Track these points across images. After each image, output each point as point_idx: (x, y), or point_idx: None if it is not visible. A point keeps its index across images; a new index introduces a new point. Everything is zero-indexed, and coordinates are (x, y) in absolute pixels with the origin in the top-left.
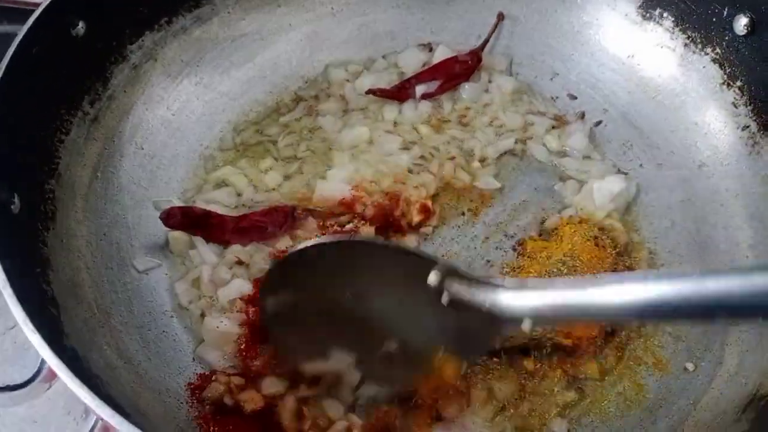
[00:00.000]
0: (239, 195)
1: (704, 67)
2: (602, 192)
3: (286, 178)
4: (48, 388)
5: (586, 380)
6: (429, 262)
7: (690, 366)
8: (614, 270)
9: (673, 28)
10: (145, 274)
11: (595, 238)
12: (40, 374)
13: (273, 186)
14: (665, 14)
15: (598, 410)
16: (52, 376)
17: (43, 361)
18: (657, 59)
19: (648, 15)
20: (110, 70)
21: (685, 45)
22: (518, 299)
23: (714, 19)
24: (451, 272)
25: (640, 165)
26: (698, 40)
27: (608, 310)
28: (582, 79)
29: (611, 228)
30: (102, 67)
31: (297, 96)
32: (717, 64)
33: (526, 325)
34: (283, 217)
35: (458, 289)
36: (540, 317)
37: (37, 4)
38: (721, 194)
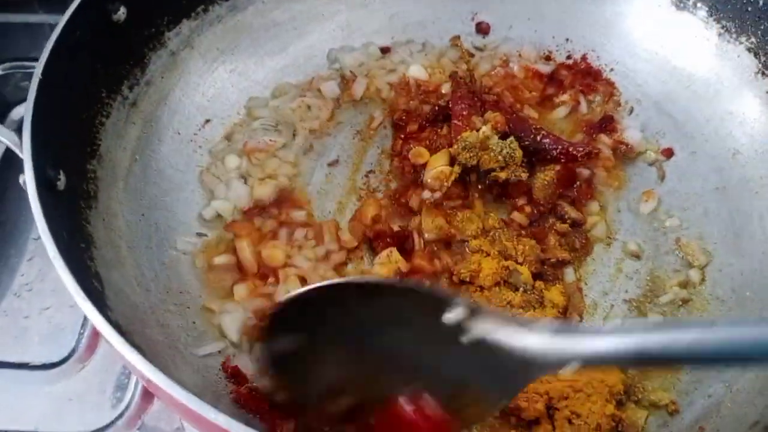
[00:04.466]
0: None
1: (739, 56)
2: None
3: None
4: (82, 368)
5: None
6: (447, 300)
7: None
8: None
9: (707, 18)
10: (183, 254)
11: None
12: (74, 354)
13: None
14: (699, 4)
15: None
16: (87, 356)
17: (78, 341)
18: (691, 49)
19: (682, 5)
20: (148, 56)
21: (720, 35)
22: (560, 345)
23: (749, 9)
24: (475, 311)
25: (674, 154)
26: (733, 30)
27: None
28: (615, 69)
29: None
30: (141, 52)
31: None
32: (752, 53)
33: (568, 369)
34: None
35: (484, 329)
36: (585, 361)
37: None
38: (756, 182)
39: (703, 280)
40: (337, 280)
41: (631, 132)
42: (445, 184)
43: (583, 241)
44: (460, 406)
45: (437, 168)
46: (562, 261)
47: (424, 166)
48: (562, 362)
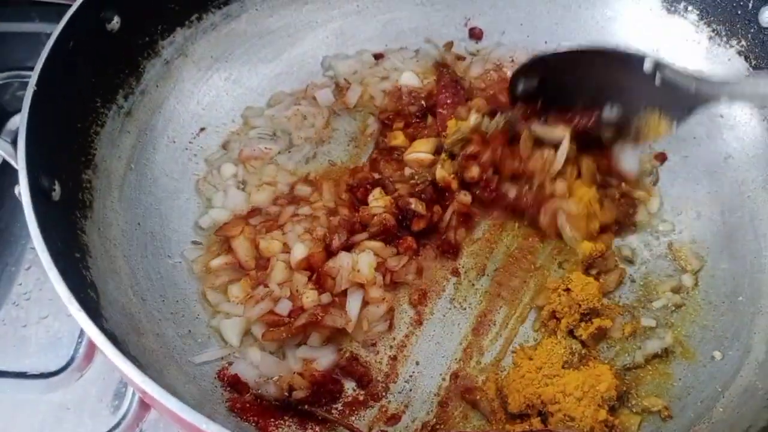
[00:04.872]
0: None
1: (729, 59)
2: None
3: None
4: (80, 377)
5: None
6: (641, 57)
7: (717, 354)
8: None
9: (697, 22)
10: (178, 263)
11: None
12: (72, 363)
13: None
14: (690, 8)
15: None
16: (85, 365)
17: (75, 350)
18: (682, 53)
19: (672, 9)
20: (143, 65)
21: (710, 38)
22: (719, 88)
23: (739, 12)
24: (660, 63)
25: (667, 158)
26: (723, 33)
27: None
28: None
29: None
30: (135, 62)
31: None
32: (742, 57)
33: (724, 101)
34: None
35: (669, 74)
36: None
37: None
38: (748, 185)
39: (696, 284)
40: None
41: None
42: (426, 175)
43: None
44: (644, 125)
45: (419, 152)
46: None
47: (401, 149)
48: (720, 99)
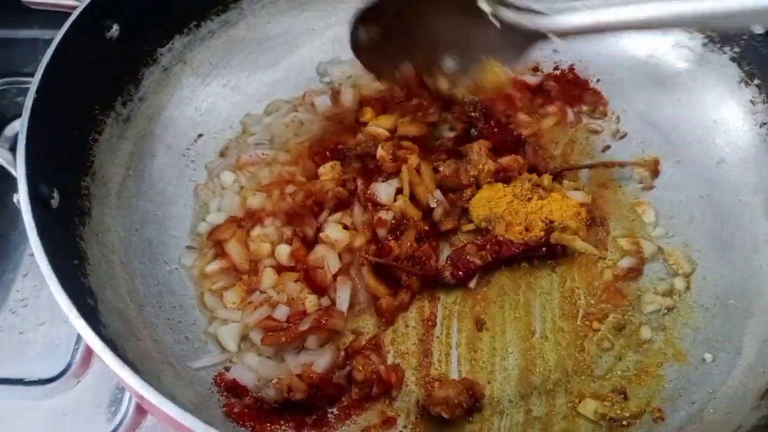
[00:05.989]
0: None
1: (722, 65)
2: None
3: None
4: (77, 383)
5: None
6: None
7: (708, 357)
8: None
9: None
10: (175, 269)
11: None
12: (69, 369)
13: None
14: None
15: None
16: (82, 371)
17: (72, 356)
18: (675, 58)
19: None
20: (141, 72)
21: (704, 44)
22: (556, 22)
23: None
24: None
25: (660, 163)
26: (716, 40)
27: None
28: (601, 79)
29: None
30: (134, 69)
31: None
32: (735, 63)
33: (557, 42)
34: None
35: (504, 12)
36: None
37: (74, 7)
38: (740, 190)
39: (687, 288)
40: None
41: None
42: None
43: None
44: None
45: (378, 125)
46: None
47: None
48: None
